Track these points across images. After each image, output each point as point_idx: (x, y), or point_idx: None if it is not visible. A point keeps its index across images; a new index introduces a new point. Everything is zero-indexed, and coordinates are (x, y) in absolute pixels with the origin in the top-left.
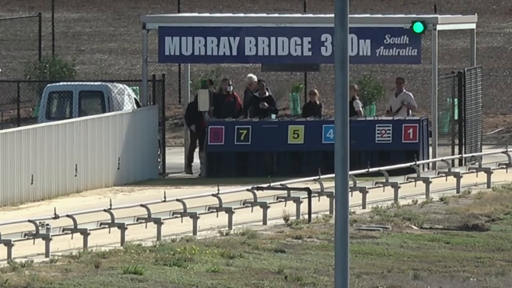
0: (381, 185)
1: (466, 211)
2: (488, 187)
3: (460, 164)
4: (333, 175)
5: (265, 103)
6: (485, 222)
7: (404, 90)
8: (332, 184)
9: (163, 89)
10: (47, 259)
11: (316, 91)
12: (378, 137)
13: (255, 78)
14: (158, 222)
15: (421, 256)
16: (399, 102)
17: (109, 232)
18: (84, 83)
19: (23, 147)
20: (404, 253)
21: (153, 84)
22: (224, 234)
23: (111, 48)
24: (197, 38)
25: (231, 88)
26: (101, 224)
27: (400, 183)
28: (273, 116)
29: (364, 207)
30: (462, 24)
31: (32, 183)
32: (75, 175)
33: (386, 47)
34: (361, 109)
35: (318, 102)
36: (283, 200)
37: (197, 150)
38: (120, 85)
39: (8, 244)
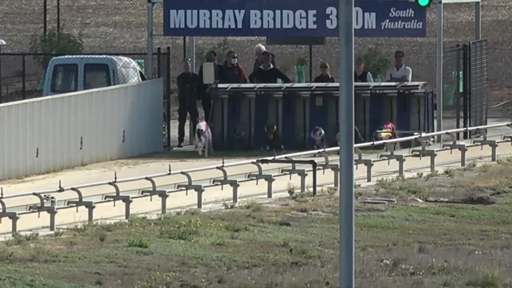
0: (386, 158)
1: (471, 184)
2: (493, 160)
3: (465, 137)
4: (338, 148)
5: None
6: (490, 195)
7: (404, 65)
8: (337, 157)
9: (168, 62)
10: (52, 232)
11: (327, 64)
12: None
13: (263, 48)
14: (163, 195)
15: (426, 229)
16: (399, 76)
17: (114, 205)
18: (89, 56)
19: (28, 120)
20: (409, 226)
21: (158, 57)
22: (229, 207)
23: (116, 21)
24: (202, 11)
25: (236, 60)
26: (106, 197)
27: (405, 156)
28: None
29: (369, 180)
30: None
31: (37, 156)
32: (80, 148)
33: (391, 20)
34: (372, 81)
35: (329, 76)
36: (288, 173)
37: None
38: (125, 58)
39: (13, 217)
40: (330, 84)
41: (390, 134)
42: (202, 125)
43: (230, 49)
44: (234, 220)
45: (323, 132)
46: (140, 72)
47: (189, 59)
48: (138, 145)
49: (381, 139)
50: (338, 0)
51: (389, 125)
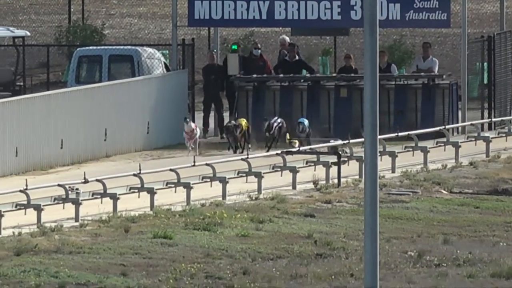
0: (411, 149)
1: (496, 176)
2: None
3: (490, 128)
4: (363, 139)
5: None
6: None
7: (431, 56)
8: (362, 148)
9: (193, 53)
10: (77, 223)
11: (351, 55)
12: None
13: (287, 39)
14: (188, 186)
15: (451, 221)
16: (426, 67)
17: (139, 197)
18: (114, 47)
19: (53, 112)
20: (433, 218)
21: (182, 48)
22: (254, 198)
23: (141, 12)
24: (226, 2)
25: (259, 51)
26: (130, 188)
27: (429, 148)
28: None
29: (393, 172)
30: None
31: (61, 148)
32: (105, 140)
33: (416, 11)
34: (397, 73)
35: (353, 66)
36: (312, 164)
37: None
38: (150, 49)
39: (38, 208)
40: (355, 75)
41: (298, 141)
42: (192, 125)
43: (254, 40)
44: (259, 212)
45: (307, 127)
46: (164, 63)
47: (215, 50)
48: (162, 136)
49: (293, 146)
50: None
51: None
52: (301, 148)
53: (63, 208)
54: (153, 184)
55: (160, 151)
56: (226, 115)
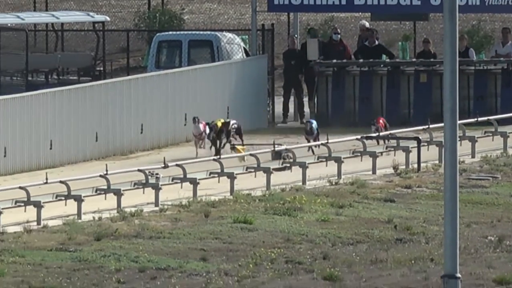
0: (490, 134)
1: None
2: None
3: None
4: (442, 124)
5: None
6: None
7: (510, 42)
8: (441, 133)
9: (272, 39)
10: (157, 208)
11: (429, 39)
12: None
13: (367, 24)
14: (268, 171)
15: None
16: (505, 52)
17: (219, 182)
18: (194, 32)
19: (133, 97)
20: None
21: (262, 34)
22: (334, 183)
23: None
24: None
25: (339, 36)
26: (210, 173)
27: (509, 133)
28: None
29: (473, 157)
30: None
31: (141, 133)
32: (185, 124)
33: None
34: (475, 57)
35: (432, 51)
36: (392, 149)
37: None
38: (229, 35)
39: (118, 193)
40: (434, 60)
41: (244, 148)
42: (201, 127)
43: (334, 25)
44: (339, 197)
45: (315, 129)
46: (244, 48)
47: (296, 35)
48: (242, 121)
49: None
50: None
51: (381, 120)
52: (381, 134)
53: (143, 193)
54: (233, 169)
55: None
56: (306, 100)
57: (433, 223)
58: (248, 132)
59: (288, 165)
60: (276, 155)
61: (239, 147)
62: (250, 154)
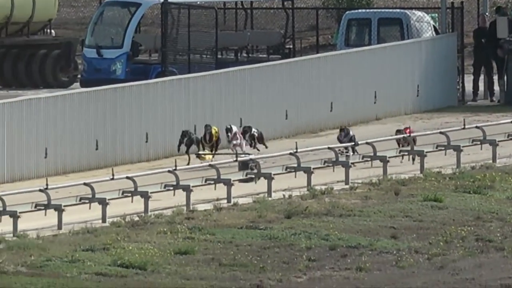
0: None
1: None
2: None
3: None
4: None
5: None
6: None
7: None
8: None
9: (462, 17)
10: (347, 186)
11: None
12: None
13: None
14: (458, 149)
15: None
16: None
17: (409, 160)
18: (383, 10)
19: (322, 74)
20: None
21: (451, 12)
22: None
23: None
24: None
25: None
26: (400, 151)
27: None
28: None
29: None
30: None
31: (331, 111)
32: (374, 102)
33: None
34: None
35: None
36: None
37: (495, 78)
38: (419, 13)
39: (308, 171)
40: None
41: (211, 157)
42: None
43: None
44: None
45: (351, 132)
46: (434, 26)
47: (486, 13)
48: (432, 99)
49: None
50: None
51: (408, 130)
52: None
53: (333, 171)
54: (424, 147)
55: (430, 113)
56: (495, 78)
57: None
58: (438, 110)
59: (253, 176)
60: (243, 165)
61: (206, 156)
62: (440, 132)
